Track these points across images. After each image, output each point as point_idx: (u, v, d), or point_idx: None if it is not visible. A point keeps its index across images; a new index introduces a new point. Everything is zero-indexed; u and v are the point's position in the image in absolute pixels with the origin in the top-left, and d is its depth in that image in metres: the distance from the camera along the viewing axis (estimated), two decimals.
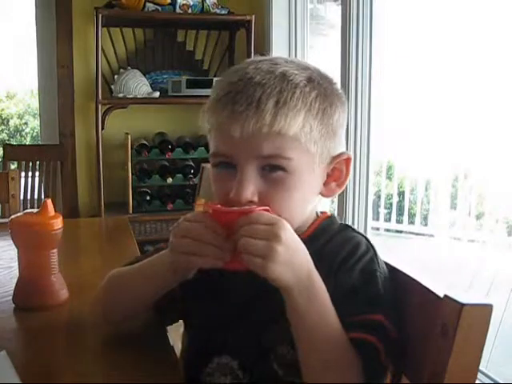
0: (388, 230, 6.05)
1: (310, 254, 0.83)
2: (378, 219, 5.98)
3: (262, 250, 0.77)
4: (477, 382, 2.29)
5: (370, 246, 0.94)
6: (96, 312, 1.04)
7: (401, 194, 6.14)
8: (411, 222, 6.03)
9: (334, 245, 0.94)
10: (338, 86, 0.96)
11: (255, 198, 0.86)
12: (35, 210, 1.18)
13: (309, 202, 0.95)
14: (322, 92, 0.90)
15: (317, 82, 0.91)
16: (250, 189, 0.86)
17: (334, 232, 0.97)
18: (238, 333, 0.95)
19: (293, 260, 0.79)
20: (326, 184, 0.95)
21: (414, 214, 6.02)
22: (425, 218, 6.04)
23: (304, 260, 0.81)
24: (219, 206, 0.84)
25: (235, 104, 0.85)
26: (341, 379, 0.82)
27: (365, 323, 0.85)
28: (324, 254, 0.84)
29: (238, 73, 0.89)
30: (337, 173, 0.96)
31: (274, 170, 0.87)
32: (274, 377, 0.91)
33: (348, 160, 0.96)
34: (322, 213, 1.00)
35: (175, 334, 1.06)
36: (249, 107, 0.84)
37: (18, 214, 1.18)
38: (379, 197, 6.08)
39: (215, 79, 3.40)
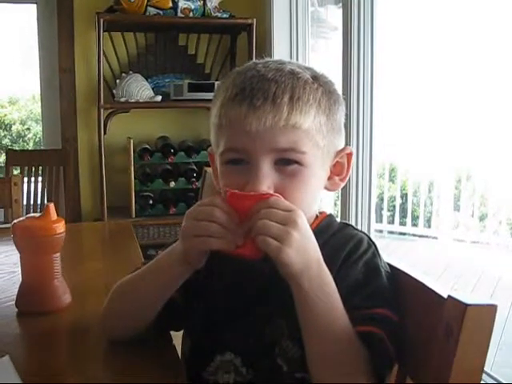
0: (391, 233, 6.06)
1: None
2: (381, 221, 5.98)
3: (279, 233, 0.78)
4: (482, 382, 2.29)
5: (372, 243, 0.96)
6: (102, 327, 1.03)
7: (404, 196, 6.14)
8: (414, 224, 6.03)
9: (337, 242, 0.96)
10: (336, 86, 0.99)
11: (271, 192, 0.87)
12: (37, 215, 1.17)
13: (318, 195, 0.97)
14: (326, 89, 0.94)
15: (321, 80, 0.94)
16: (267, 182, 0.87)
17: (335, 230, 1.00)
18: (241, 329, 0.95)
19: (306, 248, 0.81)
20: (329, 178, 0.98)
21: (417, 216, 6.02)
22: (428, 220, 6.04)
23: (315, 250, 0.83)
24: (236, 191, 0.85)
25: (252, 98, 0.87)
26: (349, 372, 0.82)
27: (371, 317, 0.86)
28: (326, 251, 0.85)
29: (249, 71, 0.92)
30: (339, 167, 0.99)
31: (288, 163, 0.89)
32: (278, 372, 0.92)
33: (350, 154, 0.99)
34: (320, 212, 1.02)
35: (175, 338, 1.05)
36: (265, 102, 0.87)
37: (21, 219, 1.17)
38: (382, 199, 6.08)
39: (217, 83, 3.40)
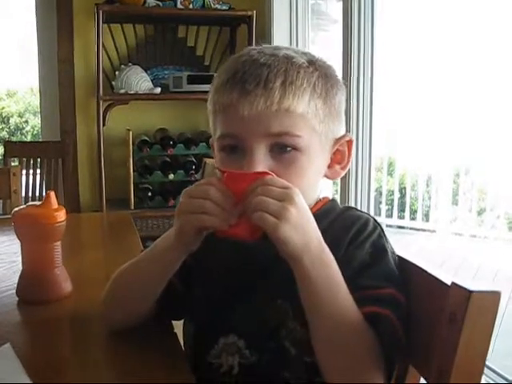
0: (390, 226, 6.05)
1: None
2: (379, 215, 5.97)
3: (276, 208, 0.76)
4: (489, 380, 2.29)
5: (378, 224, 0.95)
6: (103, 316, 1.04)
7: (402, 190, 6.14)
8: (413, 218, 6.03)
9: (342, 223, 0.95)
10: (337, 72, 0.98)
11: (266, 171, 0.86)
12: (38, 203, 1.16)
13: (317, 183, 0.96)
14: (323, 74, 0.92)
15: (317, 64, 0.93)
16: (260, 168, 0.86)
17: (337, 213, 0.99)
18: (243, 311, 0.94)
19: (304, 226, 0.79)
20: (330, 167, 0.97)
21: (416, 210, 6.02)
22: (426, 214, 6.04)
23: (315, 229, 0.81)
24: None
25: (244, 83, 0.87)
26: (356, 356, 0.81)
27: (377, 297, 0.85)
28: (331, 233, 0.84)
29: (242, 57, 0.91)
30: (340, 155, 0.98)
31: (285, 149, 0.88)
32: (285, 355, 0.90)
33: (350, 142, 0.98)
34: (323, 197, 1.01)
35: (177, 327, 1.05)
36: (257, 86, 0.86)
37: (21, 207, 1.16)
38: (380, 193, 6.07)
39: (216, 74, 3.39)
